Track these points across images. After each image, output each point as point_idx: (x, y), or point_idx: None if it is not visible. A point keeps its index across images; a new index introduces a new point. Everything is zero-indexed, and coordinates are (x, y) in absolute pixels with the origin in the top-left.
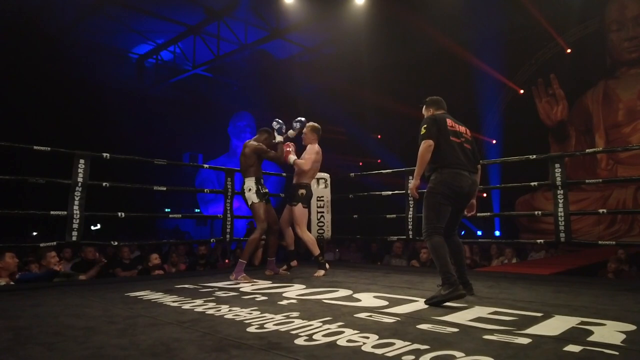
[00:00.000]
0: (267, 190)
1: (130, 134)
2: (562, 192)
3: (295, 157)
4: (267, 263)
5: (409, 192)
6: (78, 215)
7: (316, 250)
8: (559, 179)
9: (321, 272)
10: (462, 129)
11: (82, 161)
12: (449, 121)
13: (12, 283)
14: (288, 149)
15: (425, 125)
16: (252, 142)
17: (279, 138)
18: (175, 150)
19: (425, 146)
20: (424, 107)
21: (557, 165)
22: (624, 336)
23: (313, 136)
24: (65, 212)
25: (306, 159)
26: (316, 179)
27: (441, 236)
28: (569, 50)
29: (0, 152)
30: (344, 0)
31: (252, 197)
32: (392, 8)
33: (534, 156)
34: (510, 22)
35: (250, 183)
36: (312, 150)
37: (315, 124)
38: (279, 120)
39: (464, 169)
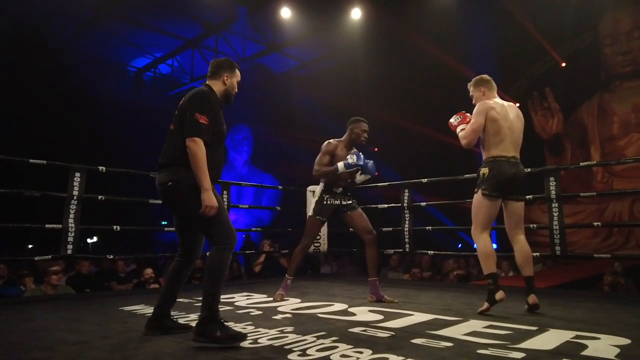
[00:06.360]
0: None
1: (128, 146)
2: (556, 205)
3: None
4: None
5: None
6: (73, 229)
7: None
8: (553, 192)
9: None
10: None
11: (77, 174)
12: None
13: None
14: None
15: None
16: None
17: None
18: None
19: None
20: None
21: (551, 179)
22: (618, 350)
23: (477, 92)
24: (61, 225)
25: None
26: (312, 192)
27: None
28: (563, 64)
29: None
30: (341, 15)
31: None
32: (387, 23)
33: (529, 169)
34: (505, 36)
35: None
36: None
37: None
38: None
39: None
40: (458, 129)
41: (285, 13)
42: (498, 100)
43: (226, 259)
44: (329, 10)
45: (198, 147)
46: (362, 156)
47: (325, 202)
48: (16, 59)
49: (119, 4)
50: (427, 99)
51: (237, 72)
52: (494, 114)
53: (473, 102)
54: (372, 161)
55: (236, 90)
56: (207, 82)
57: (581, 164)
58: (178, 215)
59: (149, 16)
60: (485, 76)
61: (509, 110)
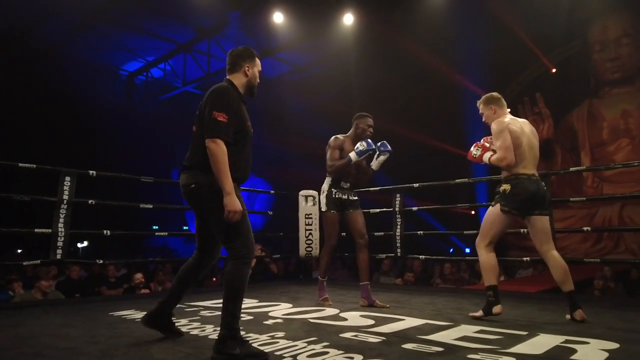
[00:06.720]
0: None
1: (119, 150)
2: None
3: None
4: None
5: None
6: (63, 233)
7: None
8: None
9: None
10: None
11: (67, 178)
12: None
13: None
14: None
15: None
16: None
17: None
18: (165, 167)
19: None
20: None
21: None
22: (606, 354)
23: (488, 111)
24: (50, 230)
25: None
26: (304, 197)
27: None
28: (554, 70)
29: None
30: (333, 20)
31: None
32: (379, 28)
33: None
34: (496, 43)
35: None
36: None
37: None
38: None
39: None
40: (485, 157)
41: (278, 18)
42: (511, 116)
43: (245, 274)
44: (321, 16)
45: (219, 148)
46: (370, 142)
47: (334, 196)
48: (6, 62)
49: (111, 7)
50: (419, 104)
51: (258, 61)
52: (513, 129)
53: (483, 119)
54: (383, 141)
55: (258, 80)
56: (227, 77)
57: (571, 169)
58: (201, 218)
59: (141, 20)
60: (496, 94)
61: (524, 126)
